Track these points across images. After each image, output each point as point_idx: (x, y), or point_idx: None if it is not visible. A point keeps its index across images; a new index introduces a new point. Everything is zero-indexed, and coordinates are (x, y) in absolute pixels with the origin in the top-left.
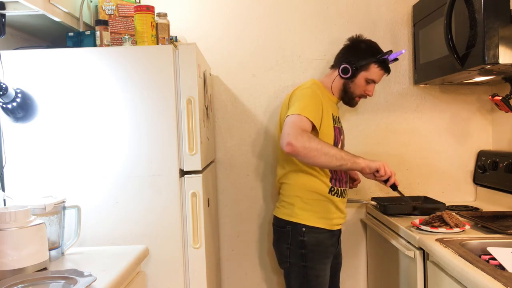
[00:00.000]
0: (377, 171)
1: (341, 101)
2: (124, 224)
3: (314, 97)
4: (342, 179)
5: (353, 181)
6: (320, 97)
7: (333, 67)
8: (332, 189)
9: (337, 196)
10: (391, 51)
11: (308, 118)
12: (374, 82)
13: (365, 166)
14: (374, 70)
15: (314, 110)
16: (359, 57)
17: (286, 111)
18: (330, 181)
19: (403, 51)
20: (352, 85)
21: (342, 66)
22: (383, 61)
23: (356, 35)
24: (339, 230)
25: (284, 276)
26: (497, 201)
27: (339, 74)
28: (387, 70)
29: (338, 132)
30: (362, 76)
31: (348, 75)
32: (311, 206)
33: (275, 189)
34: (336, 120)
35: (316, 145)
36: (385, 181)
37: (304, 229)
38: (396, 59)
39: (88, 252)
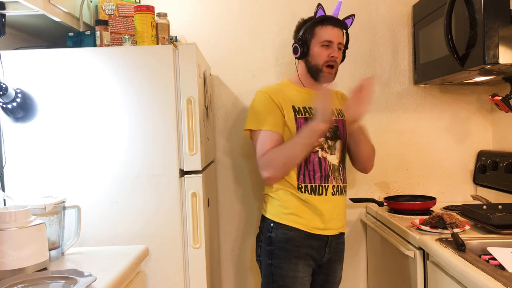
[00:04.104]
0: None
1: (319, 83)
2: (124, 224)
3: (263, 106)
4: (314, 173)
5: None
6: (270, 99)
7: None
8: (300, 186)
9: (309, 193)
10: (320, 4)
11: (266, 130)
12: (330, 42)
13: (319, 127)
14: (320, 31)
15: (267, 117)
16: (300, 31)
17: None
18: (298, 177)
19: (340, 1)
20: (311, 59)
21: (292, 49)
22: (324, 19)
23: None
24: (327, 237)
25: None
26: (497, 201)
27: (296, 58)
28: (330, 23)
29: (304, 122)
30: (314, 44)
31: (299, 51)
32: (280, 202)
33: None
34: (301, 111)
35: (277, 156)
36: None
37: (272, 224)
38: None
39: (88, 252)
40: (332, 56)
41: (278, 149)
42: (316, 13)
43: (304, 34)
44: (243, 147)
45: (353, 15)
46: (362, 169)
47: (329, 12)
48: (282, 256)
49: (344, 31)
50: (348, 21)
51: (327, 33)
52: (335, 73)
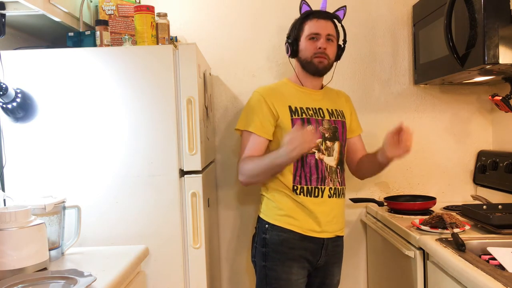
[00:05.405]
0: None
1: (315, 76)
2: (124, 224)
3: (254, 107)
4: (311, 175)
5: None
6: (262, 100)
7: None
8: (295, 188)
9: (304, 195)
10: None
11: (249, 132)
12: (317, 34)
13: (289, 156)
14: (307, 26)
15: (254, 119)
16: (289, 31)
17: None
18: (294, 178)
19: None
20: (301, 54)
21: (285, 49)
22: (309, 13)
23: None
24: (323, 240)
25: None
26: (497, 201)
27: (289, 57)
28: (315, 16)
29: (301, 123)
30: (302, 39)
31: (289, 50)
32: (275, 203)
33: None
34: (298, 111)
35: (249, 166)
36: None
37: (267, 226)
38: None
39: (88, 252)
40: (320, 48)
41: (253, 160)
42: (300, 9)
43: (293, 32)
44: None
45: (344, 6)
46: (360, 177)
47: (318, 7)
48: (276, 259)
49: (338, 23)
50: (340, 13)
51: (313, 26)
52: (330, 66)
